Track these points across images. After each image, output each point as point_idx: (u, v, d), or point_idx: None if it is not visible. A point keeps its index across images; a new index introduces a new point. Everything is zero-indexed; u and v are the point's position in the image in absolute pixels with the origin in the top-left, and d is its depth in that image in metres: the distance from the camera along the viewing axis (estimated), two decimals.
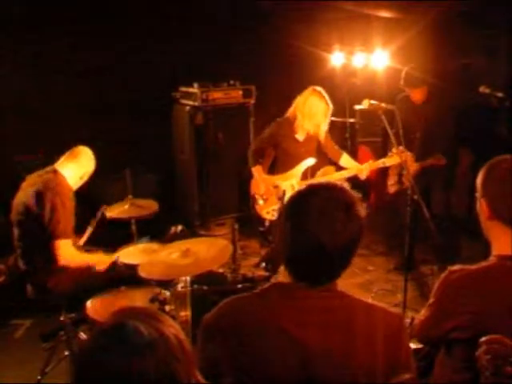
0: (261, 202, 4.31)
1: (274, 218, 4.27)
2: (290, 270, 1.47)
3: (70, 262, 3.21)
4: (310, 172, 4.25)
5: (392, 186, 4.69)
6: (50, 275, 3.22)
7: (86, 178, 3.46)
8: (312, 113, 4.12)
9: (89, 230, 3.53)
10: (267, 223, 4.38)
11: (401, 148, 3.84)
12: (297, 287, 1.45)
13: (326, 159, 5.84)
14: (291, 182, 4.24)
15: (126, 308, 1.18)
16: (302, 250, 1.41)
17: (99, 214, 3.65)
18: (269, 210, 4.32)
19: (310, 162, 4.22)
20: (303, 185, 1.53)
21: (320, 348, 1.38)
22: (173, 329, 1.12)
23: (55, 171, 3.24)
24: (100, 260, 3.35)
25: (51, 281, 3.21)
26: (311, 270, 1.44)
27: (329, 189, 1.45)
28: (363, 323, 1.43)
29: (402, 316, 1.56)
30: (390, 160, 4.06)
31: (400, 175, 4.58)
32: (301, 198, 1.46)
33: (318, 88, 4.16)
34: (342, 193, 1.45)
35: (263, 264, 3.46)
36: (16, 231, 3.25)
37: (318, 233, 1.37)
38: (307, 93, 4.15)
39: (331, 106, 4.15)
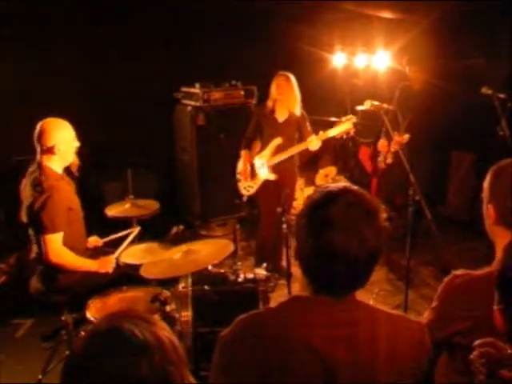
0: (241, 178, 4.65)
1: (248, 193, 4.64)
2: (312, 284, 1.41)
3: (62, 260, 3.14)
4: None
5: (381, 161, 4.91)
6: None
7: (74, 144, 3.30)
8: (272, 87, 4.45)
9: (124, 245, 3.49)
10: (245, 198, 4.72)
11: (349, 116, 4.27)
12: (319, 301, 1.39)
13: (328, 160, 5.88)
14: (262, 161, 4.52)
15: (119, 312, 1.18)
16: (329, 264, 1.34)
17: (135, 232, 3.64)
18: (245, 186, 4.62)
19: (278, 141, 4.42)
20: (317, 191, 1.44)
21: (348, 362, 1.34)
22: (166, 332, 1.11)
23: (39, 165, 3.20)
24: (101, 264, 3.29)
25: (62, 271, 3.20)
26: (337, 283, 1.38)
27: (347, 194, 1.37)
28: (388, 335, 1.39)
29: (423, 324, 1.53)
30: (338, 129, 4.28)
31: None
32: (319, 207, 1.37)
33: (282, 72, 4.46)
34: (361, 197, 1.38)
35: (264, 264, 3.46)
36: (28, 228, 3.25)
37: (345, 245, 1.30)
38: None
39: (286, 80, 4.39)
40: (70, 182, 3.38)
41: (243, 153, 4.65)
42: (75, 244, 3.25)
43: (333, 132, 4.28)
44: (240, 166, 4.67)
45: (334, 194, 1.38)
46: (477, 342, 1.43)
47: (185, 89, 5.82)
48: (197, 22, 5.69)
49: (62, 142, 3.19)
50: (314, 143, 4.30)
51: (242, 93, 5.83)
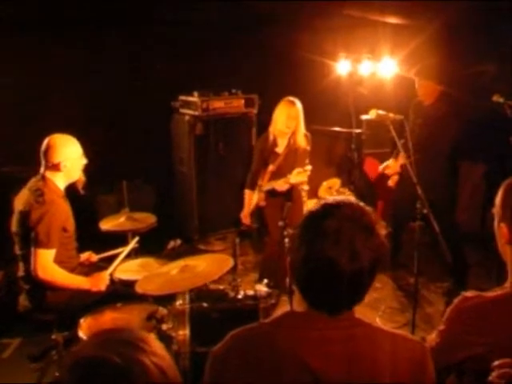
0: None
1: None
2: (305, 298, 1.42)
3: (51, 277, 3.12)
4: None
5: (392, 181, 4.98)
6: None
7: (81, 161, 3.33)
8: (275, 117, 4.42)
9: (118, 259, 3.48)
10: None
11: (308, 167, 4.16)
12: (314, 316, 1.40)
13: (332, 172, 5.87)
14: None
15: (104, 335, 1.17)
16: (319, 276, 1.35)
17: (132, 244, 3.64)
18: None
19: (270, 168, 4.51)
20: (316, 204, 1.47)
21: (342, 382, 1.33)
22: (156, 357, 1.10)
23: (43, 177, 3.23)
24: (94, 282, 3.27)
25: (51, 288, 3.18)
26: (330, 298, 1.38)
27: (344, 207, 1.39)
28: (387, 353, 1.38)
29: (424, 344, 1.51)
30: (296, 178, 4.19)
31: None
32: (315, 219, 1.40)
33: (290, 98, 4.41)
34: (358, 211, 1.40)
35: (265, 280, 3.45)
36: (16, 240, 3.24)
37: (335, 257, 1.31)
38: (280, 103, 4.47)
39: (297, 112, 4.36)
40: (68, 203, 3.38)
41: (246, 193, 4.66)
42: (64, 265, 3.23)
43: (293, 179, 4.23)
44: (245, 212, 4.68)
45: (330, 206, 1.41)
46: (496, 363, 1.42)
47: (183, 97, 5.82)
48: (195, 29, 5.71)
49: (68, 159, 3.23)
50: (279, 183, 4.33)
51: (243, 101, 5.83)
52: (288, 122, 4.37)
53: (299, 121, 4.40)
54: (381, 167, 5.07)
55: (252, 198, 4.62)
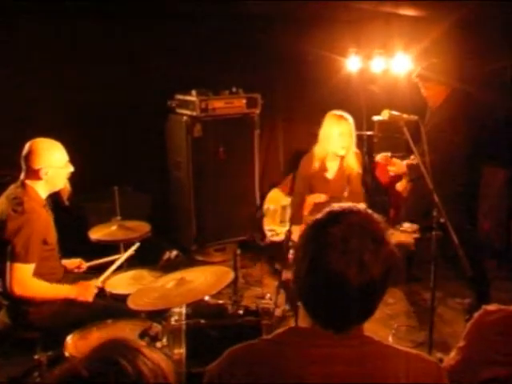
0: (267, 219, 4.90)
1: (272, 238, 4.89)
2: (309, 313, 1.42)
3: (31, 293, 3.09)
4: None
5: (401, 186, 4.88)
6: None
7: (66, 170, 3.29)
8: (324, 137, 4.22)
9: (113, 267, 3.47)
10: (267, 240, 4.93)
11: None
12: (319, 333, 1.40)
13: None
14: None
15: (105, 345, 1.17)
16: (325, 289, 1.35)
17: (130, 251, 3.65)
18: (270, 228, 4.92)
19: (319, 198, 4.33)
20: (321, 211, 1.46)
21: None
22: (151, 363, 1.12)
23: (23, 183, 3.20)
24: (80, 291, 3.25)
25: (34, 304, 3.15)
26: (336, 313, 1.38)
27: (351, 214, 1.39)
28: (399, 375, 1.36)
29: (440, 365, 1.49)
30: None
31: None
32: (320, 227, 1.39)
33: (337, 112, 4.23)
34: (366, 218, 1.40)
35: (268, 295, 3.44)
36: None
37: (342, 268, 1.31)
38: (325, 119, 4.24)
39: (350, 129, 4.21)
40: (50, 213, 3.36)
41: (293, 230, 4.12)
42: (46, 277, 3.20)
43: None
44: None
45: (335, 214, 1.41)
46: None
47: (180, 96, 5.82)
48: (194, 22, 5.73)
49: (50, 167, 3.19)
50: None
51: (244, 101, 5.82)
52: (342, 141, 4.17)
53: (352, 139, 4.23)
54: (379, 157, 4.94)
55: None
